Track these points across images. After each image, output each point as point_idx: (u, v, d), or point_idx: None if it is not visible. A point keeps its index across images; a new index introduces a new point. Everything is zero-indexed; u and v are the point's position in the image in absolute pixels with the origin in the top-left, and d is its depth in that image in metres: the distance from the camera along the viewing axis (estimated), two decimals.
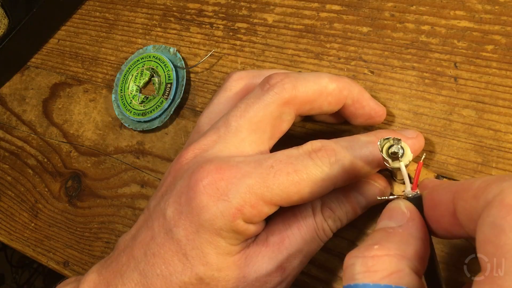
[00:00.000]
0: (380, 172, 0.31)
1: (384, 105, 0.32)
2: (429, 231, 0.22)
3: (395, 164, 0.25)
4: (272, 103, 0.27)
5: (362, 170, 0.27)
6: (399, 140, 0.25)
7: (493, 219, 0.16)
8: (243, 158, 0.27)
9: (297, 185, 0.25)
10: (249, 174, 0.25)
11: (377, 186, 0.29)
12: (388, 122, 0.34)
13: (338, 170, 0.26)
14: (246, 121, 0.28)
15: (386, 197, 0.25)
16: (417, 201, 0.23)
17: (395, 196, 0.24)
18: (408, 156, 0.25)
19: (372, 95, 0.32)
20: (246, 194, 0.25)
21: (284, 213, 0.29)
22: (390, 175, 0.31)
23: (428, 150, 0.32)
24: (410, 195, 0.23)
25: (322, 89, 0.28)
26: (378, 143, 0.25)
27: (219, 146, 0.28)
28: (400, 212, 0.22)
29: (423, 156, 0.28)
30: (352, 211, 0.29)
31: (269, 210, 0.26)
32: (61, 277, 0.37)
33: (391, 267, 0.19)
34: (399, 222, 0.22)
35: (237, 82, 0.32)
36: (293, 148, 0.27)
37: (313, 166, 0.25)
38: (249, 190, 0.25)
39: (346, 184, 0.27)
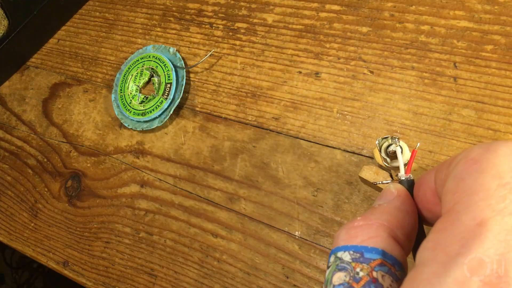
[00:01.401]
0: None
1: (384, 105, 0.32)
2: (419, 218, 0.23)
3: (394, 163, 0.25)
4: None
5: None
6: (398, 139, 0.25)
7: (456, 172, 0.17)
8: None
9: None
10: None
11: None
12: (388, 122, 0.34)
13: None
14: None
15: (381, 181, 0.26)
16: (408, 184, 0.23)
17: (389, 181, 0.24)
18: (406, 155, 0.25)
19: (371, 95, 0.32)
20: None
21: None
22: (390, 175, 0.31)
23: (428, 150, 0.32)
24: (403, 178, 0.24)
25: None
26: (377, 142, 0.25)
27: None
28: (389, 193, 0.23)
29: (418, 145, 0.28)
30: None
31: None
32: (61, 277, 0.37)
33: (370, 233, 0.20)
34: (386, 200, 0.22)
35: None
36: None
37: None
38: None
39: None
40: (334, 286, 0.19)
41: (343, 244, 0.20)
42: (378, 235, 0.20)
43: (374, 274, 0.18)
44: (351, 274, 0.19)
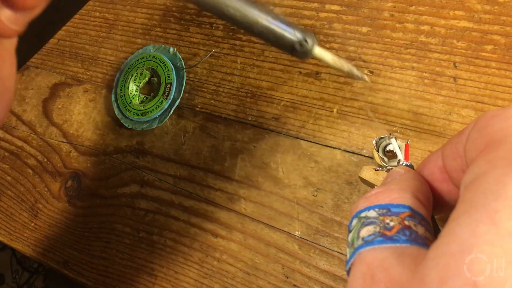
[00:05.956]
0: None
1: (384, 105, 0.32)
2: None
3: (392, 163, 0.25)
4: None
5: None
6: (395, 138, 0.25)
7: (479, 126, 0.17)
8: None
9: None
10: None
11: None
12: (388, 122, 0.34)
13: None
14: None
15: (384, 168, 0.26)
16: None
17: (391, 167, 0.25)
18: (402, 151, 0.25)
19: (371, 95, 0.32)
20: None
21: None
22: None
23: (428, 150, 0.32)
24: (404, 164, 0.24)
25: None
26: (374, 142, 0.25)
27: None
28: (396, 171, 0.23)
29: (408, 141, 0.28)
30: None
31: None
32: (61, 277, 0.37)
33: (392, 196, 0.19)
34: (396, 177, 0.22)
35: None
36: None
37: None
38: None
39: None
40: (363, 238, 0.17)
41: (365, 206, 0.19)
42: (401, 196, 0.19)
43: (406, 222, 0.17)
44: (381, 225, 0.17)
